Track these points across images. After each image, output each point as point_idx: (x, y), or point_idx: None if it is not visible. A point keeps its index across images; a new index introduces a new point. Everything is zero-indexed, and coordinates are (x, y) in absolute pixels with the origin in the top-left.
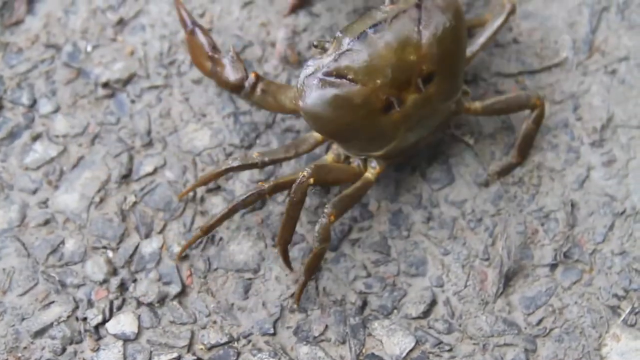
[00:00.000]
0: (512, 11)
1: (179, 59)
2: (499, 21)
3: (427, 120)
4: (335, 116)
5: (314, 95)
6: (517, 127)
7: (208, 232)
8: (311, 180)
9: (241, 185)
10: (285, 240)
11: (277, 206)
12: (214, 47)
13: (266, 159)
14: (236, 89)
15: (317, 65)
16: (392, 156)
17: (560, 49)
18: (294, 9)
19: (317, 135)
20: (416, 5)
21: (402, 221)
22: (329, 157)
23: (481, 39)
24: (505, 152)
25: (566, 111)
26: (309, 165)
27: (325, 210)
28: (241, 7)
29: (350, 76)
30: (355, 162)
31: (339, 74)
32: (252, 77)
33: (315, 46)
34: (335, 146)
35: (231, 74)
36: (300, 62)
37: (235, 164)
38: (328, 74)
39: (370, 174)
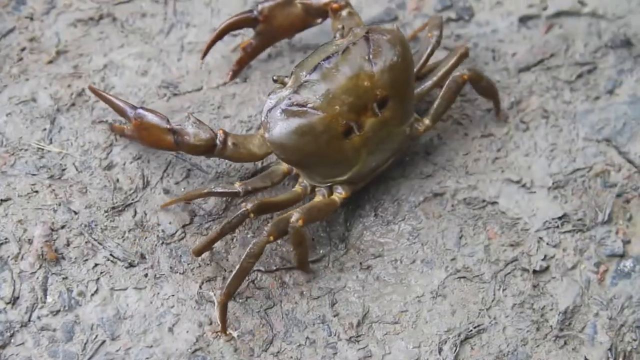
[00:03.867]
0: (465, 54)
1: None
2: (451, 61)
3: (385, 144)
4: (300, 144)
5: (279, 126)
6: (275, 322)
7: (199, 254)
8: (300, 222)
9: None
10: (232, 293)
11: None
12: (167, 120)
13: (249, 187)
14: (209, 150)
15: (278, 98)
16: (356, 181)
17: (317, 245)
18: (236, 75)
19: (283, 167)
20: (364, 37)
21: None
22: (297, 189)
23: (434, 77)
24: (264, 348)
25: (323, 307)
26: (296, 210)
27: (294, 216)
28: None
29: (310, 105)
30: (321, 191)
31: (300, 104)
32: (220, 133)
33: (275, 80)
34: (301, 178)
35: (200, 138)
36: (57, 260)
37: (218, 189)
38: (290, 104)
39: (336, 198)
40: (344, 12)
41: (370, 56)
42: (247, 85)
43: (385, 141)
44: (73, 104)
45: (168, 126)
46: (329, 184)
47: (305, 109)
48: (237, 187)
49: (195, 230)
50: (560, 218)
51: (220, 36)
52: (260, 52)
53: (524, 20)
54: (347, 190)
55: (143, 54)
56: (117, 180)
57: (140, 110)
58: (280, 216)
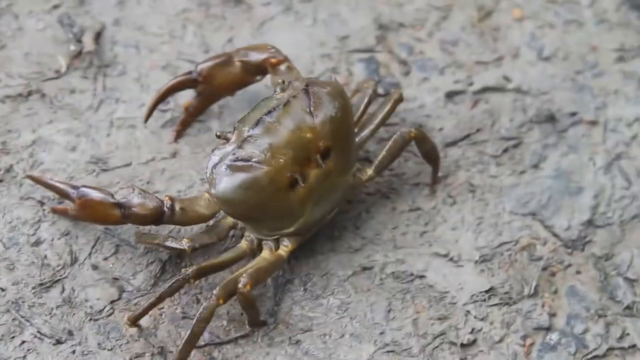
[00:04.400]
0: (399, 99)
1: None
2: (386, 108)
3: (329, 194)
4: (246, 198)
5: (225, 181)
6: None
7: (134, 322)
8: (248, 287)
9: None
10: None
11: None
12: (111, 194)
13: (196, 244)
14: (157, 218)
15: (222, 154)
16: (302, 232)
17: (245, 320)
18: (179, 135)
19: (229, 222)
20: (304, 90)
21: None
22: (243, 245)
23: (371, 126)
24: None
25: None
26: (244, 274)
27: (242, 280)
28: None
29: (255, 159)
30: (267, 245)
31: (244, 158)
32: (166, 200)
33: (219, 136)
34: (247, 233)
35: (147, 207)
36: None
37: (167, 244)
38: (234, 159)
39: (283, 252)
40: (282, 67)
41: (311, 108)
42: (176, 161)
43: (330, 191)
44: (1, 181)
45: (113, 200)
46: (275, 237)
47: (249, 163)
48: (185, 243)
49: (123, 306)
50: (487, 291)
51: (162, 99)
52: (203, 111)
53: (450, 95)
54: (294, 242)
55: (72, 130)
56: (45, 256)
57: (83, 189)
58: (229, 279)
